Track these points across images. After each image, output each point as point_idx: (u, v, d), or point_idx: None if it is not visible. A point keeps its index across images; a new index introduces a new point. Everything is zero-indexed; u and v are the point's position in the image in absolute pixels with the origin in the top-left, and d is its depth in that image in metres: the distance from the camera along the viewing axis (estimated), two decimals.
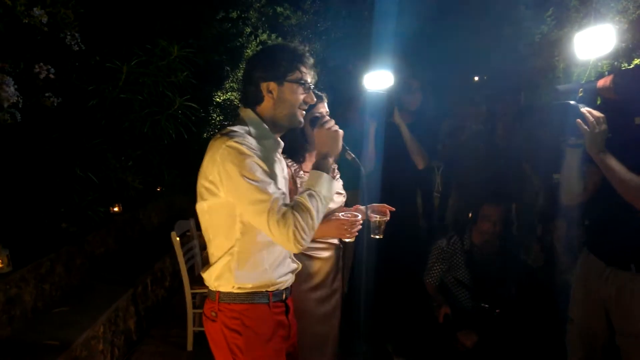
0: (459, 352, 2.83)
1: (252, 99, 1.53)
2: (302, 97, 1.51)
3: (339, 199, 2.08)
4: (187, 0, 4.58)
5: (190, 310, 3.29)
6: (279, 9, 6.79)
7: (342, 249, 2.18)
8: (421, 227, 3.95)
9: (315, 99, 1.58)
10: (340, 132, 1.53)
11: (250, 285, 1.51)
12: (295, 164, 1.99)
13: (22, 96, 2.19)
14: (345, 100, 4.65)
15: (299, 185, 1.96)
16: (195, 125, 3.10)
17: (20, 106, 2.20)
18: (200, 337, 3.36)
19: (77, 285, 3.40)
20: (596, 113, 1.72)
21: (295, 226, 1.32)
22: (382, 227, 1.94)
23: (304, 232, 1.33)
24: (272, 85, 1.48)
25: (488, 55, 6.51)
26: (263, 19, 6.80)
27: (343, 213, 1.92)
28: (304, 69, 1.51)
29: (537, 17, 7.30)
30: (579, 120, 1.72)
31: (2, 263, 2.66)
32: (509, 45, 6.96)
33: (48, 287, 3.09)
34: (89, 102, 2.62)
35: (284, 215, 1.33)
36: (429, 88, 3.36)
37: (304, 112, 1.56)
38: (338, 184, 2.08)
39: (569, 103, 1.75)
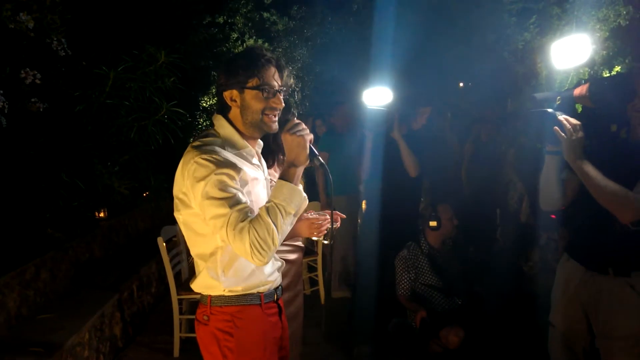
0: (437, 354, 2.88)
1: (221, 107, 1.53)
2: (265, 102, 1.47)
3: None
4: (174, 5, 4.58)
5: (176, 316, 3.28)
6: (265, 15, 6.80)
7: (304, 251, 2.24)
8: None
9: (283, 103, 1.51)
10: (308, 137, 1.45)
11: (240, 289, 1.51)
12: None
13: (8, 101, 2.18)
14: (331, 106, 4.72)
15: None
16: (181, 131, 3.11)
17: (5, 111, 2.19)
18: (187, 344, 3.35)
19: (62, 291, 3.37)
20: (573, 120, 1.76)
21: (252, 241, 1.30)
22: (332, 233, 1.99)
23: (261, 247, 1.30)
24: (234, 93, 1.47)
25: (472, 63, 6.62)
26: (250, 24, 6.80)
27: (311, 213, 1.97)
28: (263, 74, 1.46)
29: (520, 25, 7.43)
30: (556, 127, 1.76)
31: None
32: (493, 52, 7.07)
33: (32, 294, 3.05)
34: (76, 108, 2.61)
35: (241, 230, 1.31)
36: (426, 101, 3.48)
37: (274, 117, 1.51)
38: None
39: (547, 111, 1.79)
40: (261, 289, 1.55)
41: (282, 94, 1.51)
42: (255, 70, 1.45)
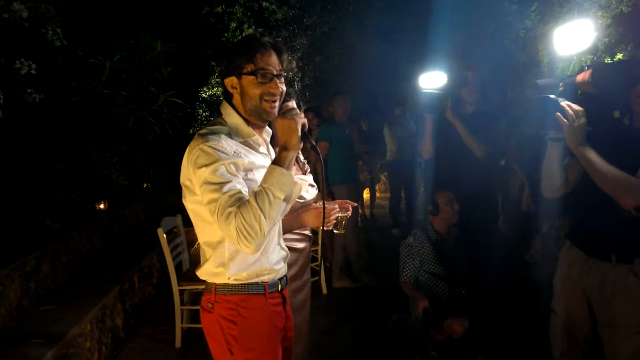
0: (440, 343, 2.88)
1: (225, 95, 1.55)
2: (262, 88, 1.46)
3: (313, 191, 2.12)
4: None
5: (178, 307, 3.28)
6: (264, 4, 6.74)
7: (312, 241, 2.23)
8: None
9: (280, 88, 1.48)
10: (299, 120, 1.42)
11: (245, 275, 1.50)
12: None
13: (3, 92, 2.15)
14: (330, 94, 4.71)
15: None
16: (180, 121, 3.08)
17: (1, 102, 2.17)
18: (189, 334, 3.36)
19: (63, 282, 3.38)
20: (575, 107, 1.74)
21: (238, 226, 1.28)
22: (344, 222, 1.96)
23: (248, 233, 1.28)
24: (234, 80, 1.48)
25: (473, 50, 6.57)
26: (249, 13, 6.75)
27: (319, 203, 1.97)
28: (259, 59, 1.44)
29: (522, 12, 7.36)
30: (558, 114, 1.75)
31: None
32: (494, 40, 7.01)
33: (33, 285, 3.06)
34: (72, 98, 2.59)
35: (228, 215, 1.30)
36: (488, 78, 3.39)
37: (273, 102, 1.48)
38: (309, 178, 2.12)
39: (549, 97, 1.77)
40: (265, 278, 1.55)
41: (281, 79, 1.48)
42: (250, 55, 1.44)
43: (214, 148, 1.37)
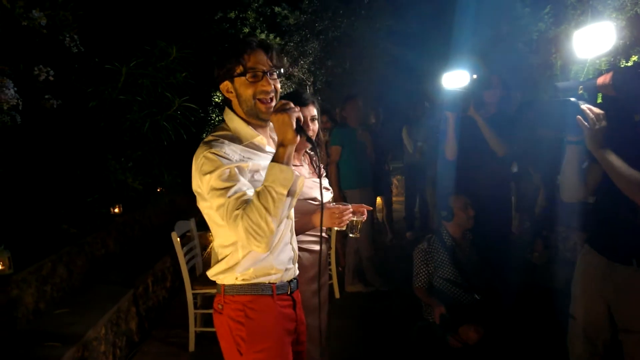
0: (457, 349, 2.84)
1: (224, 100, 1.57)
2: (254, 87, 1.46)
3: (328, 194, 2.10)
4: (186, 1, 4.57)
5: (191, 311, 3.29)
6: (277, 9, 6.77)
7: (329, 243, 2.21)
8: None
9: (271, 84, 1.47)
10: (294, 114, 1.39)
11: (251, 272, 1.51)
12: None
13: (22, 98, 2.18)
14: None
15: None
16: (194, 126, 3.10)
17: (20, 108, 2.20)
18: (202, 338, 3.36)
19: (78, 286, 3.40)
20: (596, 110, 1.72)
21: (246, 228, 1.32)
22: (359, 226, 1.97)
23: (256, 232, 1.31)
24: (228, 84, 1.49)
25: (489, 53, 6.53)
26: (261, 19, 6.78)
27: (333, 203, 1.97)
28: (246, 59, 1.45)
29: (535, 15, 7.31)
30: (579, 117, 1.72)
31: (3, 265, 2.65)
32: (508, 43, 6.96)
33: (49, 289, 3.08)
34: (89, 104, 2.62)
35: (235, 218, 1.34)
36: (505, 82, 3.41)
37: (269, 101, 1.48)
38: (324, 181, 2.11)
39: (569, 100, 1.75)
40: (273, 279, 1.54)
41: (272, 75, 1.48)
42: (238, 56, 1.45)
43: (216, 154, 1.39)
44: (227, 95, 1.52)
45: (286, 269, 1.59)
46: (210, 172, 1.38)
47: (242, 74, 1.45)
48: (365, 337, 3.44)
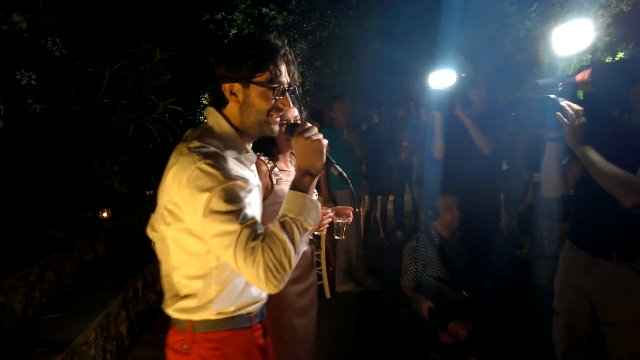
0: (447, 344, 2.86)
1: (216, 99, 1.30)
2: (273, 102, 1.27)
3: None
4: (172, 3, 4.56)
5: None
6: (264, 10, 6.75)
7: (315, 244, 2.22)
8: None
9: (291, 104, 1.33)
10: (324, 142, 1.27)
11: (232, 309, 1.30)
12: (270, 162, 2.01)
13: (4, 103, 2.17)
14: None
15: (274, 182, 1.97)
16: (181, 128, 3.09)
17: (2, 113, 2.18)
18: None
19: (67, 291, 3.38)
20: (575, 106, 1.75)
21: (267, 263, 1.11)
22: (344, 228, 1.96)
23: (277, 270, 1.12)
24: (237, 86, 1.26)
25: (476, 52, 6.58)
26: (249, 20, 6.76)
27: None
28: (277, 69, 1.26)
29: (522, 13, 7.37)
30: (558, 113, 1.75)
31: None
32: (495, 41, 7.02)
33: (38, 294, 3.06)
34: (72, 108, 2.60)
35: (252, 250, 1.12)
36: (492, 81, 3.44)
37: (278, 118, 1.32)
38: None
39: (549, 97, 1.77)
40: (251, 309, 1.36)
41: (289, 93, 1.31)
42: (270, 62, 1.25)
43: (216, 168, 1.16)
44: (228, 97, 1.27)
45: (264, 296, 1.42)
46: (210, 190, 1.13)
47: (266, 85, 1.25)
48: (356, 337, 3.45)
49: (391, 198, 6.40)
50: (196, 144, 1.21)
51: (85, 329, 2.83)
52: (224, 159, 1.20)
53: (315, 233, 1.94)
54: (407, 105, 6.23)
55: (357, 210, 1.85)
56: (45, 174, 2.62)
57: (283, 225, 1.17)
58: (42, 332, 2.75)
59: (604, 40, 6.92)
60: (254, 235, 1.14)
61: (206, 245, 1.21)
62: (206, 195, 1.14)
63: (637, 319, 1.82)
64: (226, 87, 1.27)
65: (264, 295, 1.42)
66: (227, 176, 1.16)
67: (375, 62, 7.61)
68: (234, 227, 1.13)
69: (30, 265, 2.98)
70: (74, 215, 2.64)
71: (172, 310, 1.32)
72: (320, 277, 4.16)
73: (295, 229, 1.17)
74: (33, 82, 2.33)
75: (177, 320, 1.33)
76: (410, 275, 3.15)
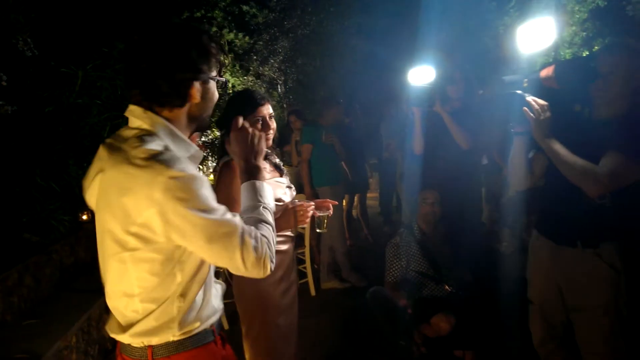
0: (430, 339, 2.90)
1: (168, 98, 1.17)
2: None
3: (291, 193, 2.12)
4: (150, 1, 4.51)
5: None
6: (244, 8, 6.72)
7: (295, 242, 2.23)
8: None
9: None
10: (250, 132, 1.33)
11: (197, 325, 1.21)
12: None
13: None
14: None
15: None
16: None
17: None
18: None
19: (47, 296, 3.33)
20: (540, 101, 1.80)
21: (266, 250, 1.15)
22: (325, 221, 2.01)
23: (273, 254, 1.17)
24: (199, 84, 1.19)
25: (456, 48, 6.64)
26: (229, 18, 6.72)
27: (296, 201, 1.99)
28: (221, 58, 1.25)
29: (501, 9, 7.45)
30: (525, 108, 1.80)
31: None
32: (474, 37, 7.09)
33: (16, 300, 3.02)
34: (46, 109, 2.56)
35: (259, 241, 1.14)
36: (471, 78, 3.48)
37: None
38: (285, 180, 2.13)
39: (516, 93, 1.82)
40: (213, 320, 1.28)
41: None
42: (221, 53, 1.26)
43: (183, 171, 1.07)
44: (194, 95, 1.19)
45: (221, 306, 1.35)
46: (191, 195, 1.06)
47: (218, 77, 1.25)
48: (342, 333, 3.47)
49: (372, 195, 6.43)
50: (146, 151, 1.08)
51: (66, 334, 2.80)
52: (186, 161, 1.12)
53: (301, 227, 1.96)
54: (388, 101, 6.26)
55: (336, 204, 1.88)
56: (19, 177, 2.58)
57: (264, 209, 1.24)
58: (21, 337, 2.71)
59: (580, 35, 7.03)
60: (248, 230, 1.14)
61: (173, 262, 1.14)
62: (188, 203, 1.05)
63: (601, 302, 1.88)
64: (195, 85, 1.18)
65: (222, 304, 1.36)
66: (202, 178, 1.10)
67: (356, 59, 7.64)
68: (232, 227, 1.11)
69: (8, 270, 2.93)
70: (50, 218, 2.61)
71: (128, 336, 1.18)
72: (303, 275, 4.18)
73: (269, 212, 1.25)
74: (4, 83, 2.29)
75: (132, 349, 1.20)
76: (394, 272, 3.17)
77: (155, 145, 1.10)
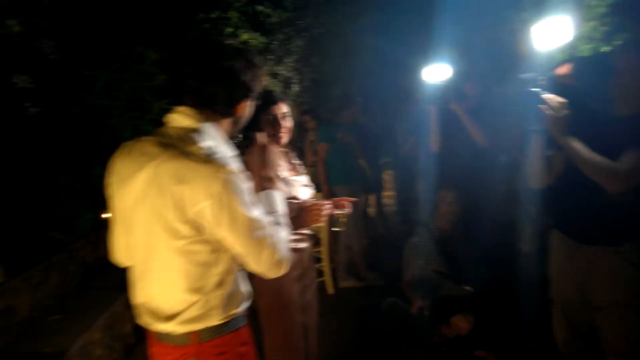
0: (449, 339, 2.88)
1: (221, 109, 1.32)
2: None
3: (308, 191, 2.14)
4: (166, 3, 4.57)
5: None
6: (259, 8, 6.75)
7: (313, 240, 2.25)
8: None
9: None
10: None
11: (235, 310, 1.33)
12: None
13: (1, 106, 2.19)
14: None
15: None
16: None
17: None
18: None
19: (71, 292, 3.41)
20: (558, 98, 1.78)
21: (286, 252, 1.33)
22: (343, 220, 2.02)
23: (289, 256, 1.34)
24: (247, 102, 1.37)
25: (472, 45, 6.56)
26: (244, 18, 6.75)
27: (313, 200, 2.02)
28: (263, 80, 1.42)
29: (517, 4, 7.33)
30: (542, 106, 1.78)
31: None
32: (491, 33, 6.99)
33: (42, 296, 3.10)
34: (69, 110, 2.63)
35: (281, 244, 1.31)
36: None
37: None
38: (302, 178, 2.15)
39: (532, 90, 1.81)
40: (246, 305, 1.39)
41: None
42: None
43: (239, 170, 1.24)
44: (239, 112, 1.35)
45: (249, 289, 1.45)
46: (240, 193, 1.20)
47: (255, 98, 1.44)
48: (358, 334, 3.47)
49: (388, 193, 6.40)
50: (205, 148, 1.20)
51: (90, 329, 2.87)
52: (234, 160, 1.25)
53: (314, 226, 1.99)
54: (403, 100, 6.22)
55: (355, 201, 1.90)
56: (44, 177, 2.65)
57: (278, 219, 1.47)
58: (47, 333, 2.78)
59: (600, 30, 6.89)
60: (275, 231, 1.32)
61: (216, 253, 1.26)
62: (238, 199, 1.20)
63: (622, 300, 1.85)
64: (244, 103, 1.35)
65: (251, 289, 1.45)
66: (246, 177, 1.25)
67: (372, 58, 7.60)
68: (265, 226, 1.26)
69: (34, 267, 3.02)
70: (74, 216, 2.67)
71: (174, 325, 1.27)
72: (321, 274, 4.19)
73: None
74: (29, 85, 2.36)
75: (175, 336, 1.28)
76: (412, 271, 3.15)
77: (210, 144, 1.22)
